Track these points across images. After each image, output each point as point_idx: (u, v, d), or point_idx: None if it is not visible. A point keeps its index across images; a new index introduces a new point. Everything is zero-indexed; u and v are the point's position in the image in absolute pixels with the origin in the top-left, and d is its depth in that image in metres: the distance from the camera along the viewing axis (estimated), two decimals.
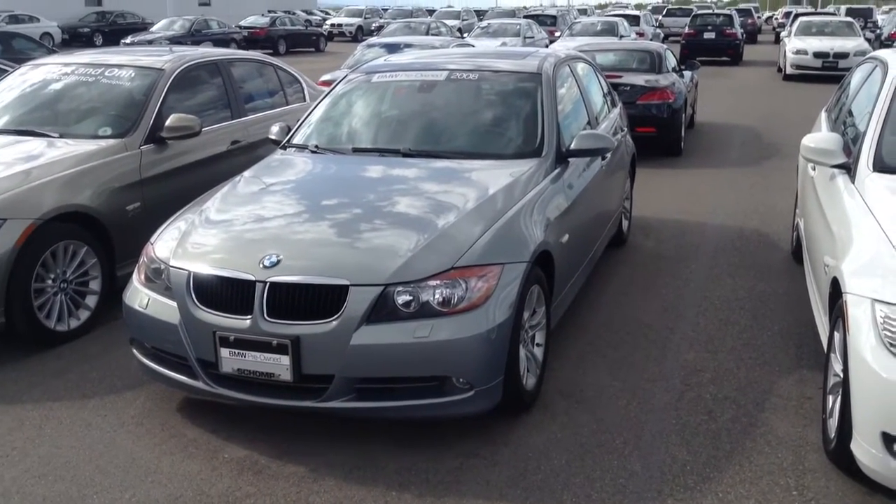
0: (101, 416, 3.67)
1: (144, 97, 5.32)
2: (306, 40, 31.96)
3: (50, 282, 4.42)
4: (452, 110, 4.68)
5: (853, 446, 2.91)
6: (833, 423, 3.18)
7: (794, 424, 3.57)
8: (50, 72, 5.72)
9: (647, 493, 3.08)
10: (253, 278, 3.23)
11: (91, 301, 4.67)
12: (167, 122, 5.18)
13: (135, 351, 3.70)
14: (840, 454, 3.07)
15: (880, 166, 3.68)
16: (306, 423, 3.53)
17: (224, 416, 3.61)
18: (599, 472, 3.21)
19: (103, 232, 4.72)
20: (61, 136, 5.06)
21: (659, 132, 9.58)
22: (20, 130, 5.18)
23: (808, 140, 4.03)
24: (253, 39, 28.88)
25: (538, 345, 3.81)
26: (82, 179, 4.66)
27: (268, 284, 3.20)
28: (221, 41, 26.13)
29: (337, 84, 5.10)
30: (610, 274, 5.60)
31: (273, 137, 4.87)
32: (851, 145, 4.10)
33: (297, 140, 4.74)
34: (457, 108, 4.69)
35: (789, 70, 18.93)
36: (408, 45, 11.50)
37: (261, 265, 3.26)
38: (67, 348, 4.40)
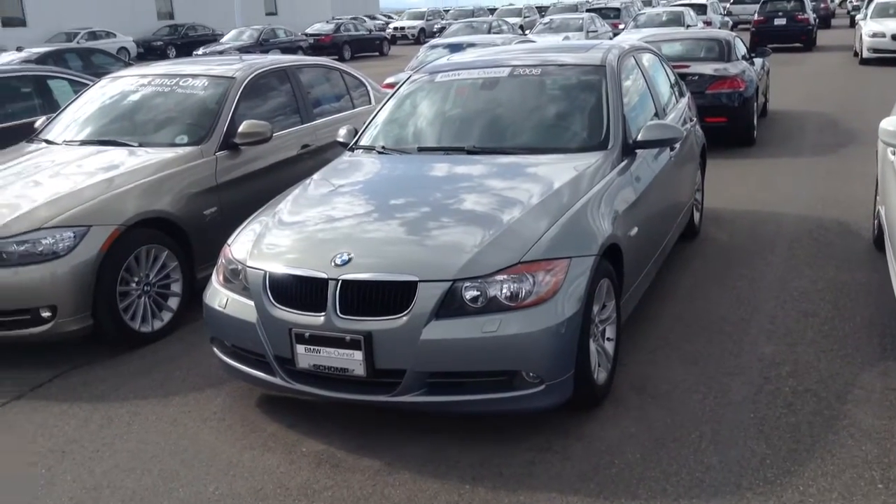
0: (184, 413, 3.81)
1: (217, 105, 5.49)
2: (370, 45, 32.38)
3: (134, 285, 4.60)
4: (516, 106, 4.68)
5: None
6: None
7: (878, 417, 3.45)
8: (127, 84, 5.96)
9: (724, 486, 3.03)
10: (326, 276, 3.31)
11: (173, 303, 4.85)
12: (240, 129, 5.33)
13: (215, 349, 3.83)
14: None
15: None
16: (381, 417, 3.60)
17: (301, 411, 3.70)
18: (675, 467, 3.17)
19: (183, 236, 4.89)
20: (140, 146, 5.27)
21: (730, 121, 9.37)
22: (102, 141, 5.41)
23: (887, 123, 3.89)
24: (319, 46, 29.41)
25: (609, 339, 3.78)
26: (162, 186, 4.84)
27: (340, 282, 3.28)
28: (289, 49, 26.72)
29: (401, 85, 5.16)
30: (682, 267, 5.51)
31: (341, 140, 4.97)
32: None
33: (363, 142, 4.82)
34: (520, 103, 4.69)
35: (866, 54, 18.21)
36: (470, 45, 11.52)
37: (332, 263, 3.33)
38: (151, 349, 4.59)
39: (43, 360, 4.49)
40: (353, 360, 3.24)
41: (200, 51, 26.93)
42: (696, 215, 6.17)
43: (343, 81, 6.96)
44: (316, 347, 3.29)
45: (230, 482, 3.21)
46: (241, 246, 3.74)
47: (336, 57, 28.69)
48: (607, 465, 3.21)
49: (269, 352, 3.45)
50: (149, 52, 32.46)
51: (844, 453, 3.20)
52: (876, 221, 5.58)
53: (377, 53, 32.41)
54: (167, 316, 4.80)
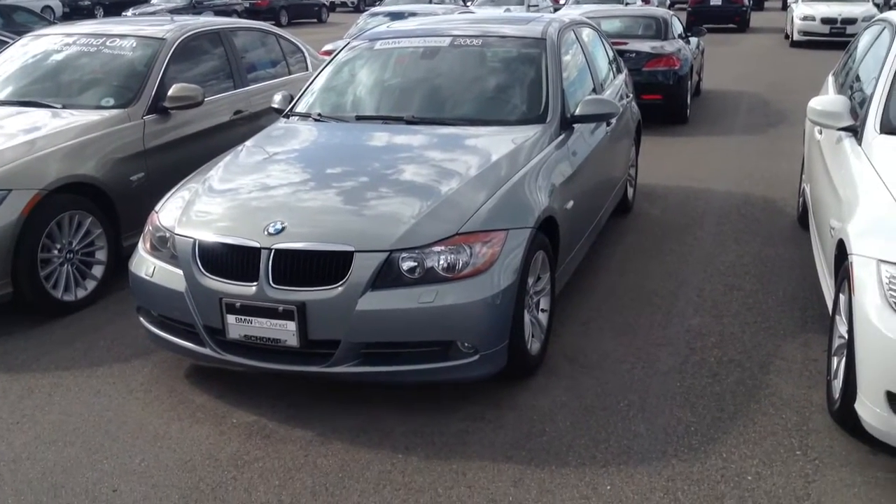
0: (109, 384, 3.70)
1: (146, 67, 5.29)
2: (308, 11, 31.70)
3: (56, 252, 4.43)
4: (456, 77, 4.64)
5: (857, 406, 2.92)
6: (837, 384, 3.19)
7: (798, 386, 3.58)
8: (51, 43, 5.70)
9: (651, 453, 3.10)
10: (258, 245, 3.24)
11: (97, 271, 4.69)
12: (169, 92, 5.16)
13: (142, 319, 3.73)
14: (844, 414, 3.09)
15: (887, 129, 3.65)
16: (313, 388, 3.56)
17: (231, 382, 3.64)
18: (604, 434, 3.23)
19: (108, 202, 4.73)
20: (64, 107, 5.06)
21: (665, 99, 9.52)
22: (23, 101, 5.17)
23: (815, 103, 4.00)
24: (255, 10, 28.65)
25: (543, 310, 3.82)
26: (86, 150, 4.66)
27: (273, 251, 3.21)
28: (223, 12, 25.93)
29: (339, 52, 5.06)
30: (615, 241, 5.59)
31: (276, 106, 4.85)
32: (858, 108, 4.06)
33: (299, 108, 4.72)
34: (460, 74, 4.65)
35: (797, 36, 18.72)
36: (411, 14, 11.40)
37: (265, 232, 3.26)
38: (75, 318, 4.44)
39: None
40: (285, 331, 3.19)
41: (129, 12, 25.91)
42: (630, 190, 6.26)
43: (279, 46, 6.79)
44: (247, 318, 3.23)
45: (157, 454, 3.14)
46: (169, 213, 3.63)
47: (273, 22, 28.03)
48: (539, 433, 3.25)
49: (198, 322, 3.37)
50: (75, 11, 31.10)
51: (766, 421, 3.31)
52: (801, 199, 5.76)
53: (315, 20, 31.77)
54: (91, 284, 4.64)
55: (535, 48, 4.66)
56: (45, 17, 16.66)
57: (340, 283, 3.15)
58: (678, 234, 5.75)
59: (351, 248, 3.17)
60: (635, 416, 3.37)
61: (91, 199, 4.62)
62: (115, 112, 4.99)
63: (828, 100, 3.96)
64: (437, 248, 3.21)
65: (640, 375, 3.71)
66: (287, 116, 4.70)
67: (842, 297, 3.27)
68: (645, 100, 9.25)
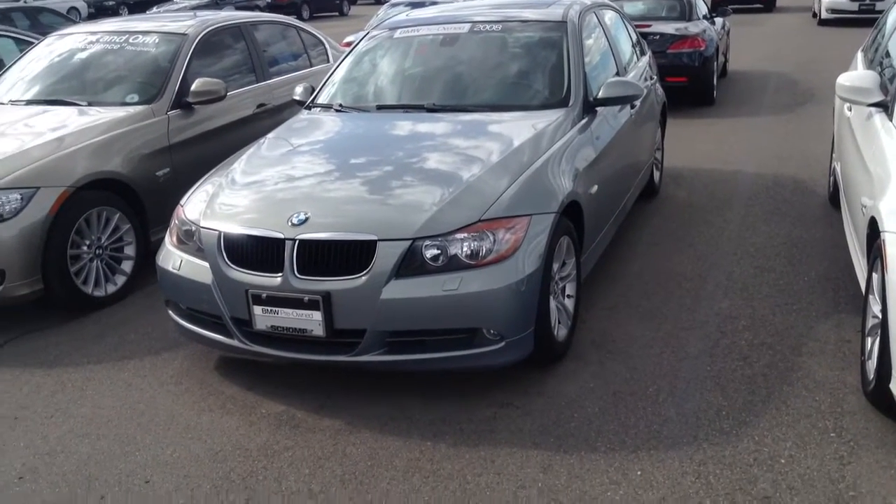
0: (140, 377, 3.75)
1: (169, 63, 5.33)
2: (330, 4, 31.73)
3: (85, 248, 4.49)
4: (476, 63, 4.61)
5: (892, 386, 2.86)
6: (872, 364, 3.13)
7: (832, 368, 3.52)
8: (75, 41, 5.76)
9: (681, 437, 3.07)
10: (282, 236, 3.24)
11: (127, 266, 4.74)
12: (192, 87, 5.19)
13: (170, 312, 3.76)
14: (879, 395, 3.03)
15: None
16: (341, 377, 3.57)
17: (260, 373, 3.66)
18: (633, 419, 3.20)
19: (135, 198, 4.77)
20: (90, 105, 5.11)
21: (690, 81, 9.39)
22: (49, 100, 5.23)
23: (844, 79, 3.91)
24: (277, 5, 28.72)
25: (569, 296, 3.79)
26: (112, 146, 4.70)
27: (297, 242, 3.22)
28: (245, 7, 26.05)
29: (359, 42, 5.05)
30: (642, 225, 5.53)
31: (297, 98, 4.86)
32: (888, 83, 3.97)
33: (321, 100, 4.72)
34: (481, 60, 4.62)
35: (824, 15, 18.37)
36: (433, 2, 11.34)
37: (289, 223, 3.27)
38: (105, 313, 4.49)
39: None
40: (311, 321, 3.20)
41: (154, 10, 26.16)
42: (657, 174, 6.19)
43: (300, 39, 6.81)
44: (273, 308, 3.24)
45: (188, 445, 3.17)
46: (194, 206, 3.65)
47: (295, 16, 28.11)
48: (567, 419, 3.23)
49: (225, 313, 3.39)
50: (100, 11, 31.40)
51: (799, 404, 3.26)
52: (831, 178, 5.66)
53: (337, 13, 31.80)
54: (121, 279, 4.70)
55: (555, 31, 4.61)
56: (70, 18, 16.87)
57: (365, 272, 3.15)
58: (706, 216, 5.68)
59: (374, 237, 3.16)
60: (665, 400, 3.33)
61: (118, 195, 4.67)
62: (139, 108, 5.03)
63: (857, 75, 3.87)
64: (459, 236, 3.20)
65: (670, 360, 3.67)
66: (309, 108, 4.71)
67: (875, 276, 3.20)
68: (670, 82, 9.14)
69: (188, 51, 5.42)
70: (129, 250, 4.76)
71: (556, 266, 3.57)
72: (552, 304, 3.54)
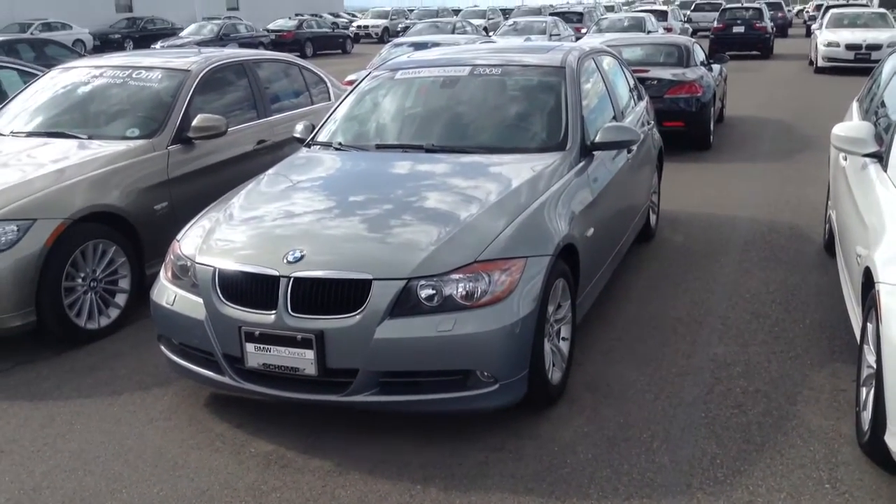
0: (130, 412, 3.71)
1: (171, 98, 5.37)
2: (333, 42, 32.15)
3: (80, 280, 4.47)
4: (476, 105, 4.65)
5: (888, 438, 2.84)
6: (867, 415, 3.11)
7: (826, 417, 3.50)
8: (79, 75, 5.81)
9: (675, 486, 3.03)
10: (277, 273, 3.24)
11: (121, 300, 4.73)
12: (193, 123, 5.23)
13: (162, 347, 3.74)
14: (874, 447, 3.01)
15: None
16: (332, 417, 3.54)
17: (250, 411, 3.62)
18: (627, 466, 3.17)
19: (132, 231, 4.77)
20: (90, 138, 5.14)
21: (687, 126, 9.48)
22: (50, 132, 5.26)
23: (839, 129, 3.95)
24: (280, 42, 29.08)
25: (564, 339, 3.78)
26: (111, 180, 4.72)
27: (291, 279, 3.21)
28: (249, 44, 26.37)
29: (361, 81, 5.11)
30: (638, 269, 5.54)
31: (297, 136, 4.90)
32: (884, 134, 4.01)
33: (320, 138, 4.76)
34: (480, 102, 4.66)
35: (821, 63, 18.63)
36: (434, 44, 11.49)
37: (284, 260, 3.27)
38: (97, 346, 4.46)
39: None
40: (304, 360, 3.18)
41: (159, 44, 26.45)
42: (653, 217, 6.21)
43: (302, 77, 6.87)
44: (266, 346, 3.23)
45: (175, 483, 3.12)
46: (190, 241, 3.65)
47: (298, 53, 28.43)
48: (560, 464, 3.20)
49: (217, 350, 3.37)
50: (105, 44, 31.79)
51: (793, 453, 3.23)
52: (827, 226, 5.68)
53: (340, 51, 32.20)
54: (114, 313, 4.67)
55: (554, 76, 4.66)
56: (75, 51, 17.01)
57: (359, 311, 3.14)
58: (702, 261, 5.69)
59: (369, 277, 3.16)
60: (659, 447, 3.31)
61: (115, 229, 4.67)
62: (139, 142, 5.06)
63: (852, 126, 3.91)
64: (455, 276, 3.20)
65: (664, 406, 3.64)
66: (309, 146, 4.74)
67: (869, 326, 3.20)
68: (667, 126, 9.23)
69: (191, 86, 5.46)
70: (124, 283, 4.74)
71: (551, 308, 3.56)
72: (547, 346, 3.53)
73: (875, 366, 2.99)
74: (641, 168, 5.49)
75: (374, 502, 2.97)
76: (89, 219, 4.50)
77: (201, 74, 5.61)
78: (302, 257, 3.27)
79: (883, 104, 4.45)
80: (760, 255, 5.77)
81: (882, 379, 2.84)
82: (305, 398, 3.28)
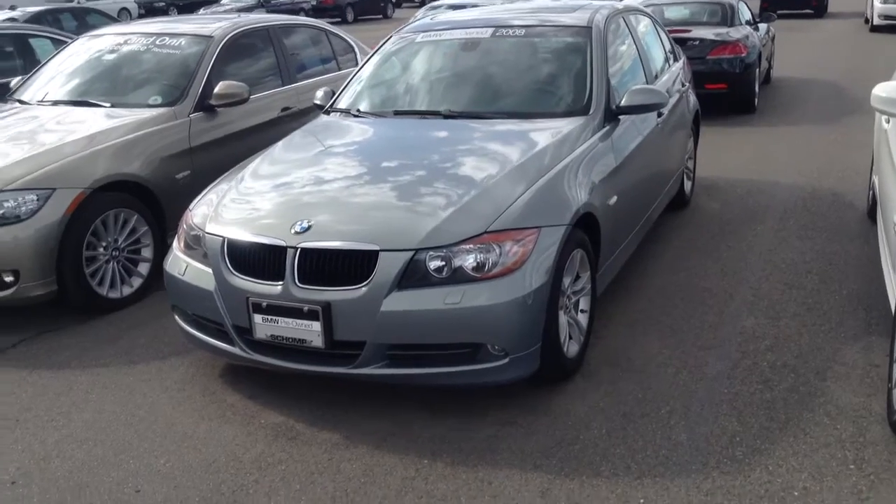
0: (145, 381, 3.72)
1: (194, 65, 5.33)
2: (374, 7, 31.87)
3: (102, 250, 4.49)
4: (497, 68, 4.50)
5: None
6: None
7: (857, 394, 3.33)
8: (104, 43, 5.80)
9: (691, 464, 2.92)
10: (284, 244, 3.18)
11: (143, 269, 4.74)
12: (215, 90, 5.18)
13: (176, 318, 3.73)
14: None
15: None
16: (343, 389, 3.50)
17: (263, 382, 3.60)
18: (641, 443, 3.07)
19: (154, 200, 4.77)
20: (113, 106, 5.13)
21: (730, 88, 9.15)
22: (74, 101, 5.27)
23: (881, 89, 3.71)
24: (321, 8, 28.96)
25: (583, 311, 3.66)
26: (132, 148, 4.71)
27: (298, 250, 3.15)
28: (290, 11, 26.30)
29: (381, 45, 4.99)
30: (669, 237, 5.37)
31: (317, 102, 4.81)
32: None
33: (340, 104, 4.67)
34: (501, 66, 4.51)
35: (876, 21, 17.81)
36: (473, 5, 11.26)
37: (292, 231, 3.20)
38: (119, 315, 4.49)
39: (10, 324, 4.41)
40: (311, 331, 3.13)
41: (201, 11, 26.55)
42: (688, 184, 6.01)
43: (329, 43, 6.78)
44: (273, 317, 3.18)
45: (182, 454, 3.12)
46: (201, 211, 3.62)
47: (339, 19, 28.31)
48: (572, 440, 3.11)
49: (227, 321, 3.34)
50: (150, 13, 31.99)
51: (819, 432, 3.09)
52: (870, 192, 5.42)
53: (381, 16, 31.93)
54: (137, 282, 4.70)
55: (580, 37, 4.48)
56: (117, 20, 17.14)
57: (365, 282, 3.07)
58: (737, 229, 5.48)
59: (376, 248, 3.08)
60: (677, 424, 3.19)
61: (137, 197, 4.67)
62: (161, 110, 5.03)
63: (894, 86, 3.67)
64: (464, 247, 3.10)
65: (686, 380, 3.52)
66: (328, 112, 4.66)
67: None
68: (709, 89, 8.95)
69: (213, 53, 5.41)
70: (147, 252, 4.75)
71: (567, 280, 3.45)
72: (563, 319, 3.42)
73: None
74: (674, 132, 5.28)
75: (380, 476, 2.93)
76: (110, 188, 4.51)
77: (224, 41, 5.55)
78: (309, 227, 3.20)
79: None
80: (799, 223, 5.54)
81: None
82: (313, 370, 3.23)
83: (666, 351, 3.79)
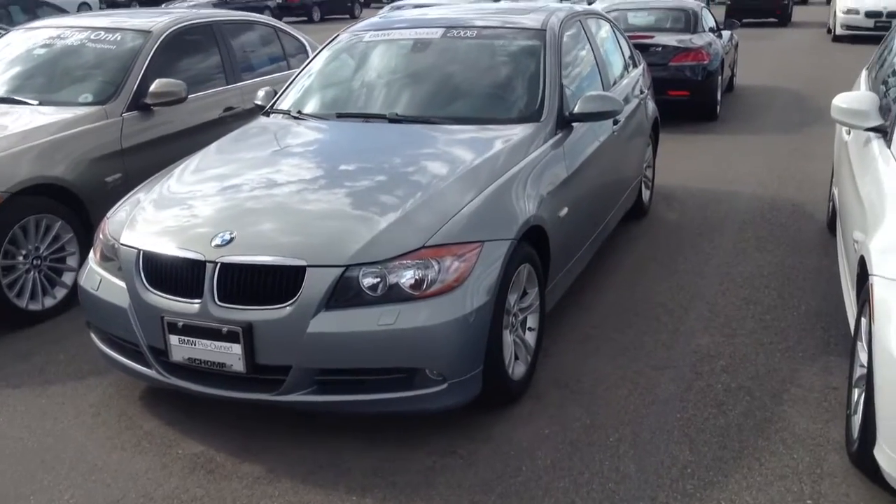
0: (58, 405, 3.43)
1: (129, 61, 5.03)
2: (341, 6, 31.44)
3: (21, 258, 4.18)
4: (446, 71, 4.28)
5: (876, 453, 2.51)
6: (857, 420, 2.78)
7: (814, 420, 3.17)
8: (37, 36, 5.46)
9: (638, 500, 2.72)
10: (203, 258, 2.93)
11: (69, 278, 4.44)
12: (151, 88, 4.89)
13: (92, 336, 3.45)
14: (862, 458, 2.68)
15: None
16: (271, 416, 3.24)
17: (184, 406, 3.33)
18: (587, 475, 2.86)
19: (80, 205, 4.47)
20: (40, 104, 4.81)
21: (692, 95, 9.03)
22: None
23: (840, 100, 3.57)
24: (287, 7, 28.51)
25: (531, 329, 3.46)
26: (58, 150, 4.40)
27: (218, 265, 2.90)
28: (255, 8, 25.81)
29: (327, 44, 4.74)
30: (625, 249, 5.19)
31: (258, 103, 4.56)
32: (893, 105, 3.62)
33: (281, 105, 4.41)
34: (451, 68, 4.28)
35: (839, 31, 17.93)
36: (437, 5, 11.03)
37: (212, 243, 2.95)
38: (38, 329, 4.18)
39: None
40: (231, 355, 2.87)
41: (163, 7, 25.96)
42: (646, 193, 5.85)
43: (280, 42, 6.50)
44: (190, 339, 2.92)
45: (90, 489, 2.84)
46: (118, 219, 3.34)
47: (305, 18, 27.91)
48: (514, 472, 2.89)
49: (142, 342, 3.08)
50: (112, 6, 31.27)
51: (774, 462, 2.91)
52: (830, 203, 5.31)
53: (348, 16, 31.54)
54: (61, 292, 4.39)
55: (534, 40, 4.28)
56: (66, 11, 16.60)
57: (291, 301, 2.82)
58: (695, 241, 5.33)
59: (303, 263, 2.84)
60: (625, 453, 2.99)
61: (61, 202, 4.36)
62: (91, 109, 4.73)
63: (854, 97, 3.53)
64: (400, 263, 2.87)
65: (636, 404, 3.32)
66: (267, 114, 4.40)
67: (863, 321, 2.86)
68: (671, 96, 8.83)
69: (151, 49, 5.11)
70: (72, 261, 4.45)
71: (513, 298, 3.24)
72: (508, 339, 3.21)
73: (867, 367, 2.65)
74: (631, 140, 5.11)
75: None
76: (31, 192, 4.20)
77: (164, 36, 5.26)
78: (231, 240, 2.95)
79: (893, 73, 4.04)
80: (758, 235, 5.41)
81: (873, 386, 2.50)
82: (234, 396, 2.97)
83: (617, 371, 3.60)
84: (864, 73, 5.13)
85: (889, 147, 3.26)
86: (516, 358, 3.32)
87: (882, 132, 3.40)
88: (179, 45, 5.42)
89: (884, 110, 3.56)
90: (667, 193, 6.40)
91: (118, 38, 5.24)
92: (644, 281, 4.65)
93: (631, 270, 4.83)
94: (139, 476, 2.91)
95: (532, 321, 3.47)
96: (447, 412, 3.12)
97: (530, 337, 3.45)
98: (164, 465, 2.97)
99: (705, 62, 9.05)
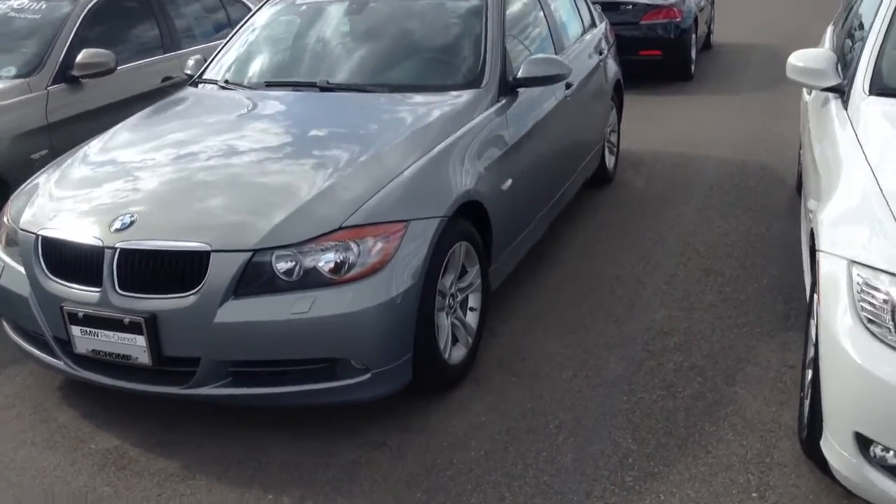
0: None
1: (54, 32, 4.73)
2: None
3: None
4: (381, 35, 4.02)
5: (823, 445, 2.34)
6: (808, 405, 2.60)
7: (767, 402, 2.99)
8: None
9: (572, 494, 2.55)
10: (101, 243, 2.70)
11: None
12: (77, 59, 4.61)
13: (5, 325, 3.23)
14: (811, 446, 2.51)
15: (878, 88, 2.98)
16: (195, 407, 3.04)
17: (102, 398, 3.13)
18: (521, 467, 2.69)
19: (3, 184, 4.21)
20: None
21: (665, 55, 8.75)
22: None
23: (797, 58, 3.33)
24: None
25: (472, 309, 3.26)
26: None
27: (118, 251, 2.67)
28: None
29: (259, 8, 4.46)
30: (585, 217, 4.98)
31: (188, 72, 4.29)
32: (851, 63, 3.39)
33: (209, 74, 4.15)
34: (387, 32, 4.02)
35: None
36: None
37: (111, 227, 2.72)
38: None
39: None
40: (135, 346, 2.67)
41: None
42: (611, 159, 5.61)
43: (224, 8, 6.18)
44: (92, 329, 2.71)
45: None
46: (20, 203, 3.11)
47: None
48: (444, 465, 2.71)
49: (47, 332, 2.86)
50: None
51: (721, 450, 2.74)
52: (799, 167, 5.10)
53: None
54: None
55: (474, 0, 4.01)
56: None
57: (196, 289, 2.61)
58: (659, 208, 5.12)
59: (207, 248, 2.62)
60: (564, 441, 2.81)
61: None
62: (14, 82, 4.45)
63: (811, 54, 3.29)
64: (315, 246, 2.65)
65: (581, 387, 3.14)
66: (195, 84, 4.13)
67: (815, 297, 2.66)
68: (643, 56, 8.57)
69: (77, 17, 4.82)
70: None
71: (449, 278, 3.04)
72: (444, 322, 3.01)
73: (815, 349, 2.47)
74: (589, 105, 4.87)
75: None
76: None
77: (92, 3, 4.95)
78: (132, 223, 2.72)
79: (854, 29, 3.80)
80: (725, 201, 5.20)
81: (818, 373, 2.32)
82: (142, 389, 2.77)
83: (565, 351, 3.41)
84: (829, 30, 4.89)
85: (846, 109, 3.04)
86: (456, 341, 3.13)
87: (839, 92, 3.18)
88: (110, 13, 5.11)
89: (842, 68, 3.33)
90: (635, 159, 6.17)
91: (42, 7, 4.95)
92: (602, 252, 4.45)
93: (590, 241, 4.62)
94: (47, 473, 2.72)
95: (474, 301, 3.27)
96: (381, 401, 2.93)
97: (472, 318, 3.26)
98: (73, 462, 2.78)
99: (678, 20, 8.76)
